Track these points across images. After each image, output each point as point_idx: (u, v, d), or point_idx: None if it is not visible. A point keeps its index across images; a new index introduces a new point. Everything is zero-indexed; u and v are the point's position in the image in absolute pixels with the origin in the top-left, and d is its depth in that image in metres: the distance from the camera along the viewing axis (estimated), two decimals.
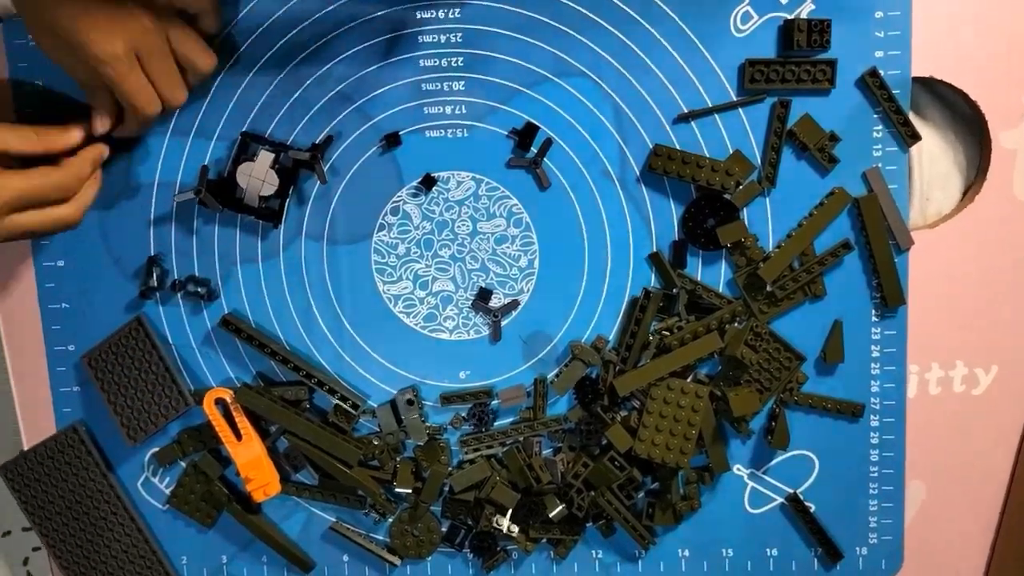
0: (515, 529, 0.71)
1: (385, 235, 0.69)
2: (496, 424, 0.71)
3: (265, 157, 0.66)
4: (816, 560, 0.72)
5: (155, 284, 0.69)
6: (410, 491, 0.71)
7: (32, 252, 0.71)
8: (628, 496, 0.70)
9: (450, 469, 0.71)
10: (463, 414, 0.71)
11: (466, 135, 0.68)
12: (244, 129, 0.68)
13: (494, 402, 0.71)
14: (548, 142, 0.67)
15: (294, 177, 0.67)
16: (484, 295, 0.69)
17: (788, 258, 0.67)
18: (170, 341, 0.71)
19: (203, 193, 0.66)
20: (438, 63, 0.67)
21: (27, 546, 1.13)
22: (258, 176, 0.66)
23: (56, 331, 0.72)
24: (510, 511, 0.70)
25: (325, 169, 0.68)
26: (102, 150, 0.64)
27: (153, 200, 0.69)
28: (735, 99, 0.67)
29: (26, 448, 0.73)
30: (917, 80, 0.66)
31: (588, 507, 0.70)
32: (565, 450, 0.71)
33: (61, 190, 0.60)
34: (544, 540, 0.72)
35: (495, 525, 0.71)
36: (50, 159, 0.61)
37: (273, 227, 0.68)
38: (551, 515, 0.69)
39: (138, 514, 0.73)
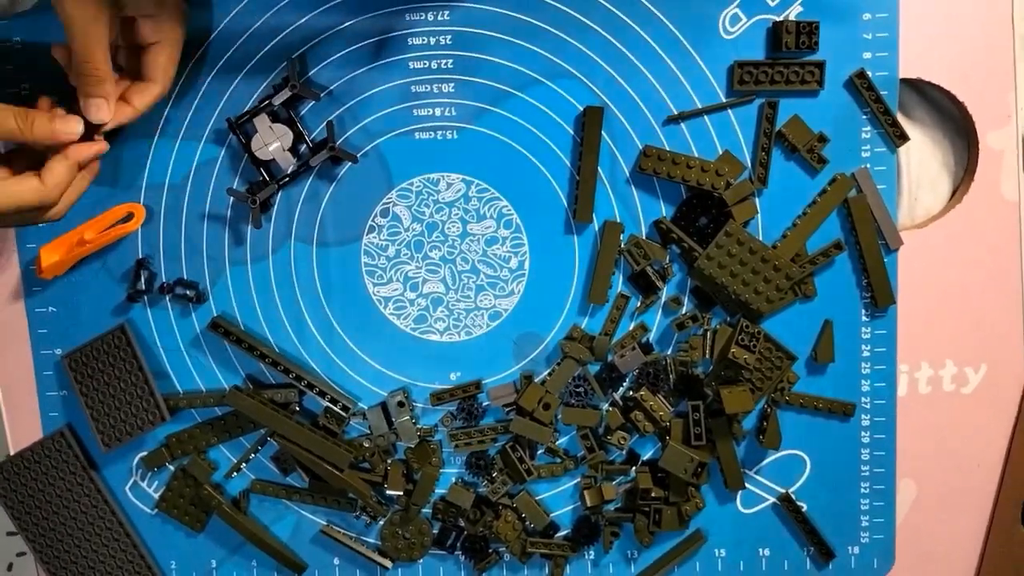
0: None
1: (375, 237, 0.69)
2: (494, 421, 0.71)
3: (287, 138, 0.66)
4: (808, 559, 0.72)
5: (143, 287, 0.69)
6: (401, 493, 0.71)
7: (18, 254, 0.70)
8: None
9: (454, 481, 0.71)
10: (453, 411, 0.71)
11: (455, 137, 0.68)
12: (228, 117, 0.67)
13: (485, 401, 0.70)
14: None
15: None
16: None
17: (800, 241, 0.67)
18: (158, 344, 0.71)
19: (257, 204, 0.66)
20: (427, 65, 0.67)
21: (11, 551, 1.12)
22: (268, 142, 0.66)
23: (42, 335, 0.71)
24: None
25: (316, 166, 0.67)
26: (100, 147, 0.59)
27: (141, 202, 0.69)
28: (724, 100, 0.67)
29: (12, 452, 0.72)
30: (905, 81, 0.67)
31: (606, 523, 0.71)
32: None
33: (43, 203, 0.56)
34: (539, 555, 0.72)
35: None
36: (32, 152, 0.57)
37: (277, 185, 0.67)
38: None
39: (126, 519, 0.73)
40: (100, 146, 0.60)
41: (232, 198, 0.68)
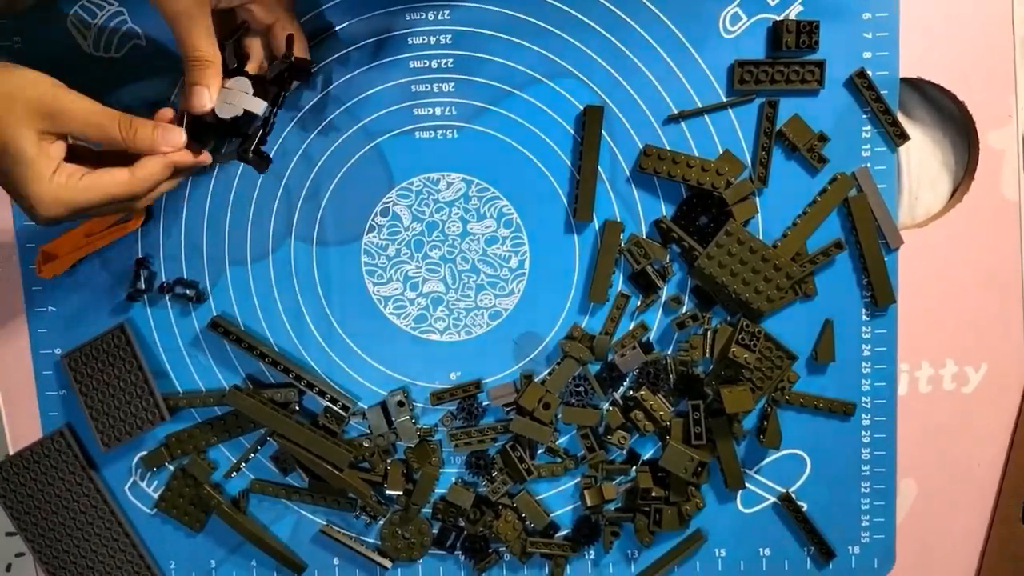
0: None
1: (375, 236, 0.69)
2: (494, 420, 0.71)
3: (244, 83, 0.59)
4: (809, 559, 0.72)
5: (143, 287, 0.69)
6: (401, 493, 0.71)
7: (19, 254, 0.70)
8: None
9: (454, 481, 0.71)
10: (453, 410, 0.71)
11: (456, 136, 0.68)
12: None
13: (485, 401, 0.70)
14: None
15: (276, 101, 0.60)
16: None
17: (800, 241, 0.67)
18: (158, 344, 0.71)
19: (250, 155, 0.59)
20: (428, 64, 0.67)
21: (10, 551, 1.12)
22: (231, 101, 0.58)
23: (42, 334, 0.71)
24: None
25: (288, 92, 0.61)
26: (202, 159, 0.58)
27: None
28: (725, 100, 0.67)
29: (11, 452, 0.72)
30: (905, 81, 0.67)
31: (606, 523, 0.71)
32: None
33: (131, 195, 0.55)
34: (539, 555, 0.72)
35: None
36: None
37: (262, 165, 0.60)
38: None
39: (125, 519, 0.73)
40: (202, 158, 0.58)
41: (227, 161, 0.65)
